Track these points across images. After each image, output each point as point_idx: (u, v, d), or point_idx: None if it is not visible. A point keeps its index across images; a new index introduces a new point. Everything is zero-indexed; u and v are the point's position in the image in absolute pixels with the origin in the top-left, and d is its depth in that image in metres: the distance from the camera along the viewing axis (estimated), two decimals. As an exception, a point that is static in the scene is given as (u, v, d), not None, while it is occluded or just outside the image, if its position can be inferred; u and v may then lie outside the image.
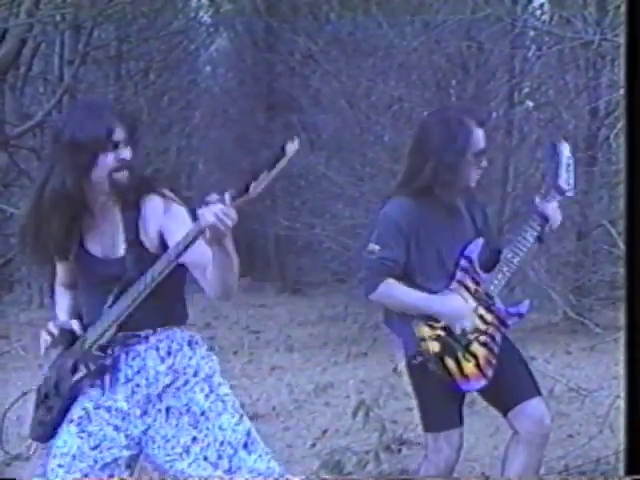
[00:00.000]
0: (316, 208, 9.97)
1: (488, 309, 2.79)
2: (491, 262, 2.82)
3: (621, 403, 2.49)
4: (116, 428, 2.41)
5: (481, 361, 2.78)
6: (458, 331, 2.75)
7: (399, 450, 4.35)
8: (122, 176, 2.32)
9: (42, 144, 9.62)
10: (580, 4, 7.55)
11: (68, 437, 2.40)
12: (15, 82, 9.51)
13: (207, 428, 2.39)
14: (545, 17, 8.48)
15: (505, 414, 2.86)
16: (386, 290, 2.73)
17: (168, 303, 2.42)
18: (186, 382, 2.42)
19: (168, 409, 2.41)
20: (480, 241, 2.79)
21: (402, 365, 2.83)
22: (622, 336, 2.43)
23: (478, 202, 2.94)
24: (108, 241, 2.40)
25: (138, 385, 2.41)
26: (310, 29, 10.13)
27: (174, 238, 2.26)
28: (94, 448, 2.39)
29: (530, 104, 8.82)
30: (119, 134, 2.31)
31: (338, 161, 9.60)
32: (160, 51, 12.85)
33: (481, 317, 2.79)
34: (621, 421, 2.48)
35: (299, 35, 10.29)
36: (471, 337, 2.77)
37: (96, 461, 2.38)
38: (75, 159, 2.28)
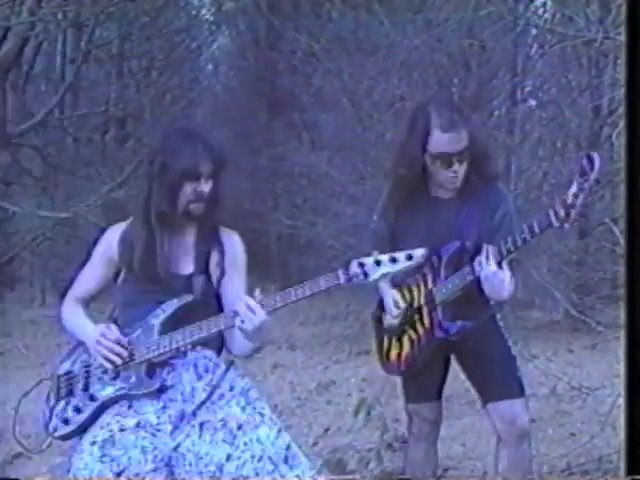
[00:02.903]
0: (318, 207, 9.97)
1: (429, 313, 2.80)
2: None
3: (622, 401, 2.49)
4: (143, 450, 2.33)
5: (403, 354, 2.88)
6: (385, 323, 2.87)
7: (401, 448, 4.35)
8: (197, 208, 2.42)
9: (44, 142, 9.64)
10: (582, 2, 7.52)
11: (90, 460, 2.32)
12: (17, 80, 9.52)
13: (244, 443, 2.33)
14: (547, 15, 8.47)
15: (483, 406, 2.91)
16: None
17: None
18: (221, 396, 2.42)
19: (202, 424, 2.37)
20: (457, 244, 2.76)
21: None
22: (623, 334, 2.43)
23: (486, 208, 2.77)
24: (173, 255, 2.44)
25: (172, 400, 2.39)
26: (312, 27, 10.11)
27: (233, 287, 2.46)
28: (118, 474, 2.31)
29: (532, 102, 8.81)
30: (204, 167, 2.40)
31: (340, 160, 9.60)
32: (162, 49, 12.87)
33: (420, 317, 2.82)
34: (622, 420, 2.47)
35: (301, 33, 10.29)
36: (405, 329, 2.86)
37: None
38: (164, 184, 2.39)
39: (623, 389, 2.44)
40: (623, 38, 2.79)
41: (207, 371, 2.44)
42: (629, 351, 2.38)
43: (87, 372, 2.45)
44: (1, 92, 7.88)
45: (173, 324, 2.40)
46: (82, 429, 2.42)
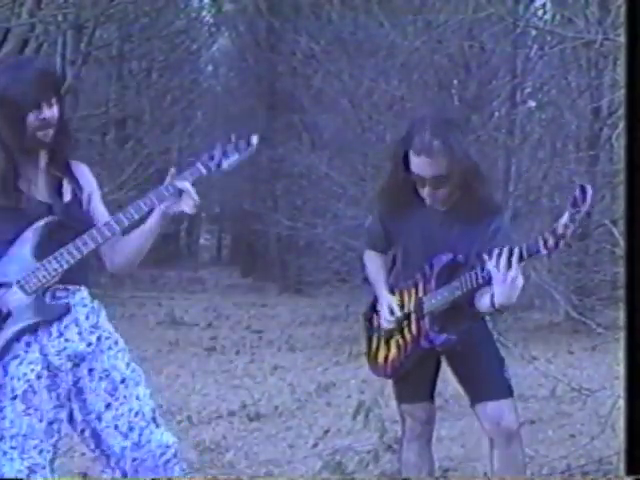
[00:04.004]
0: (318, 208, 9.98)
1: (417, 321, 2.81)
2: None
3: (622, 403, 2.49)
4: (48, 388, 2.38)
5: (390, 358, 2.91)
6: (383, 324, 2.91)
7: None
8: (45, 134, 2.38)
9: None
10: (582, 4, 7.54)
11: (15, 416, 2.34)
12: (17, 82, 9.51)
13: (124, 396, 2.45)
14: (547, 17, 8.50)
15: (472, 407, 2.90)
16: (365, 259, 3.07)
17: (87, 263, 2.48)
18: (109, 347, 2.48)
19: (90, 371, 2.44)
20: (449, 256, 2.76)
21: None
22: (623, 336, 2.43)
23: (479, 223, 2.73)
24: (30, 183, 2.42)
25: (68, 340, 2.41)
26: (312, 29, 10.13)
27: (100, 208, 2.53)
28: (41, 420, 2.36)
29: (532, 104, 8.82)
30: (42, 94, 2.36)
31: (340, 161, 9.61)
32: (162, 51, 12.88)
33: (409, 324, 2.83)
34: (622, 421, 2.47)
35: (301, 35, 10.30)
36: (394, 333, 2.88)
37: (45, 432, 2.37)
38: (6, 118, 2.34)
39: (623, 391, 2.44)
40: (623, 39, 2.79)
41: (93, 311, 2.48)
42: (629, 353, 2.38)
43: None
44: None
45: (44, 249, 2.38)
46: None
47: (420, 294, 2.81)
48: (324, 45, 9.55)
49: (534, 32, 7.88)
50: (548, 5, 8.47)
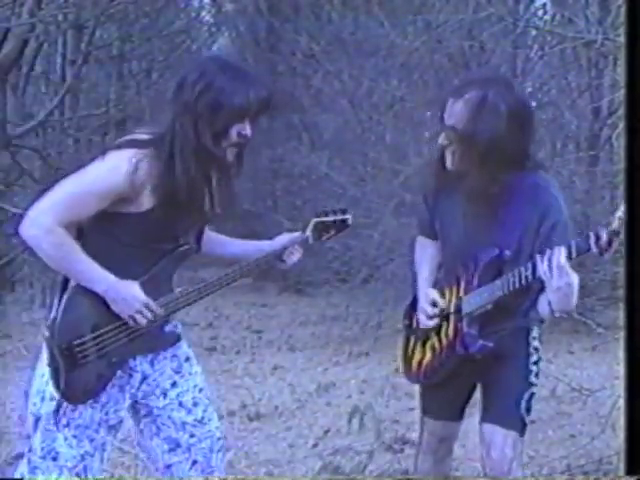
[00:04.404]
0: (317, 208, 9.93)
1: (455, 323, 2.55)
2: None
3: (622, 403, 2.49)
4: (121, 389, 2.41)
5: (424, 363, 2.68)
6: (422, 321, 2.66)
7: (402, 450, 4.35)
8: (232, 151, 2.34)
9: (44, 144, 9.64)
10: (582, 4, 7.53)
11: (83, 408, 2.37)
12: (17, 82, 9.52)
13: (189, 373, 2.48)
14: (547, 17, 8.48)
15: (479, 424, 2.66)
16: (416, 245, 2.81)
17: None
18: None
19: (155, 356, 2.47)
20: (495, 251, 2.46)
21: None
22: (623, 336, 2.43)
23: (533, 212, 2.42)
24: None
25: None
26: (312, 29, 10.12)
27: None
28: (106, 413, 2.39)
29: (532, 104, 8.81)
30: (252, 108, 2.27)
31: (340, 161, 9.60)
32: (162, 51, 12.85)
33: (447, 326, 2.58)
34: (622, 421, 2.47)
35: (301, 35, 10.30)
36: (430, 335, 2.65)
37: (100, 424, 2.38)
38: (215, 124, 2.25)
39: (623, 391, 2.44)
40: (623, 39, 2.79)
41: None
42: (629, 352, 2.38)
43: (110, 341, 2.35)
44: (1, 93, 7.87)
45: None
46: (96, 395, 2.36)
47: (461, 293, 2.54)
48: (324, 45, 9.55)
49: (534, 32, 7.88)
50: (548, 5, 8.47)
